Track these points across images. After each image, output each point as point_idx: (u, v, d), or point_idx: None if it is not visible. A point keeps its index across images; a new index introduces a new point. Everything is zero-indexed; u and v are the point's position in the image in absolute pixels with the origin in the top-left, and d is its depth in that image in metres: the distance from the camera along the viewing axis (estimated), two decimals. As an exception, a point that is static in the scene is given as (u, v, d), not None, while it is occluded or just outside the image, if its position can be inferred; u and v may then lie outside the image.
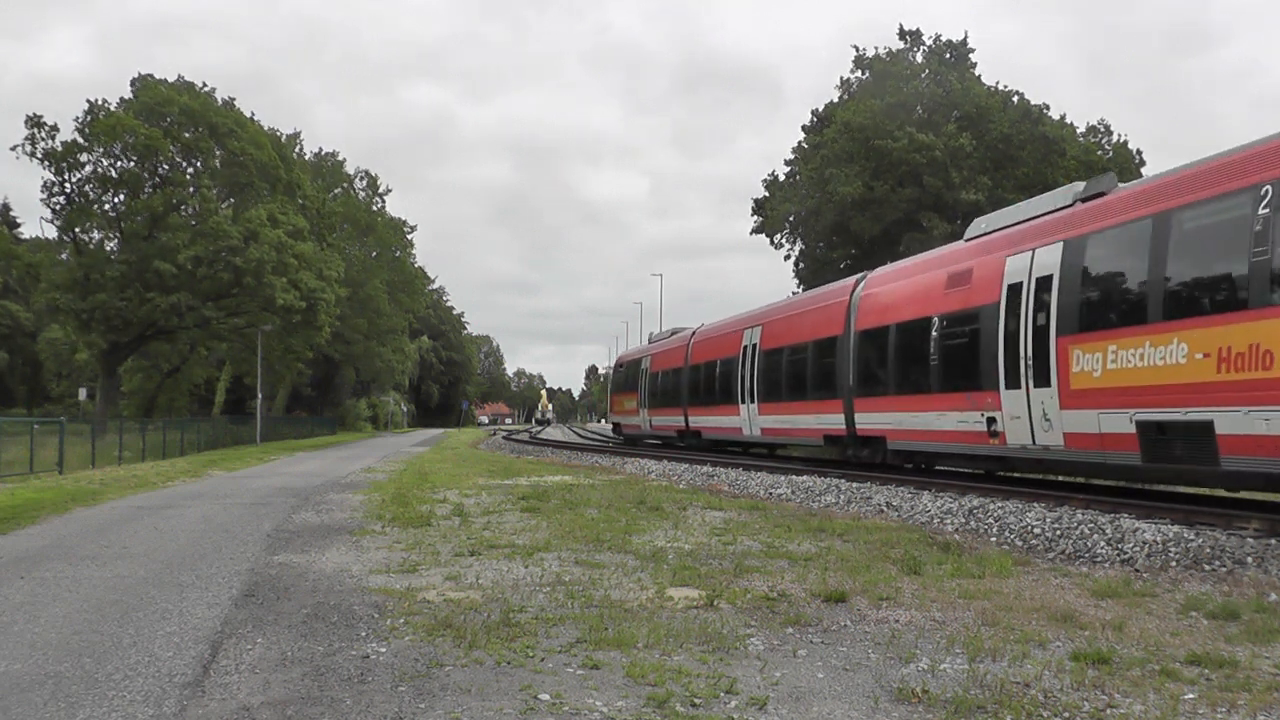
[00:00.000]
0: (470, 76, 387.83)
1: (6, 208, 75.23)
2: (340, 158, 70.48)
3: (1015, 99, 45.21)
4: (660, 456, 26.89)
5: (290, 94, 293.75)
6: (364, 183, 72.64)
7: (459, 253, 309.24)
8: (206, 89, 47.93)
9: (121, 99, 46.08)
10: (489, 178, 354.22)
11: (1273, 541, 9.31)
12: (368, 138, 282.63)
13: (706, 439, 29.59)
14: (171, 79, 48.00)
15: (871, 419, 18.84)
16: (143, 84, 46.79)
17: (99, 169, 45.01)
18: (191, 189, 46.50)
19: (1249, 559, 8.99)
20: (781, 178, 50.31)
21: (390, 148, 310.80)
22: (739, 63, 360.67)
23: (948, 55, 46.51)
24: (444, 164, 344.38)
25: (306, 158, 65.85)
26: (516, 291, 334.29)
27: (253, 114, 49.90)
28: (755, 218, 51.39)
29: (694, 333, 31.15)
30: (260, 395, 50.99)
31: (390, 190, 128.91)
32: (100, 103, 44.88)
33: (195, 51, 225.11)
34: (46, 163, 43.96)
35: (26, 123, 43.53)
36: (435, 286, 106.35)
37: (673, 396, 32.35)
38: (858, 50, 48.03)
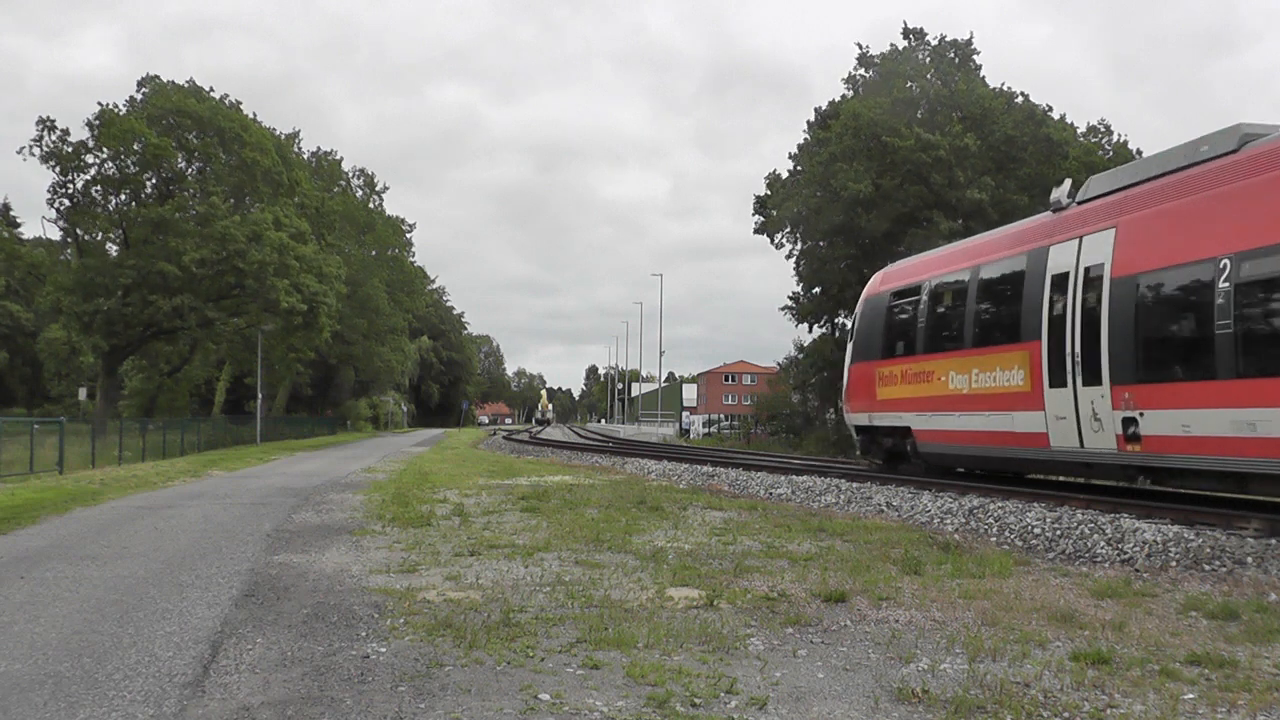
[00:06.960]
0: (499, 77, 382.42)
1: (7, 207, 75.20)
2: (338, 156, 70.41)
3: (1019, 99, 45.26)
4: (660, 456, 26.84)
5: (318, 94, 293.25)
6: (360, 180, 72.61)
7: (477, 252, 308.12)
8: (213, 93, 47.94)
9: (132, 98, 46.10)
10: (512, 178, 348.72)
11: (1273, 541, 9.32)
12: (394, 138, 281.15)
13: None
14: (200, 80, 48.29)
15: None
16: (151, 86, 46.75)
17: (103, 170, 45.03)
18: (193, 191, 46.49)
19: (1249, 559, 9.00)
20: (784, 176, 50.27)
21: (415, 148, 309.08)
22: (770, 63, 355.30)
23: (951, 55, 46.56)
24: (468, 164, 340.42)
25: (305, 157, 65.80)
26: (531, 292, 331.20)
27: (254, 114, 49.93)
28: (756, 217, 51.36)
29: None
30: (260, 395, 50.95)
31: (388, 188, 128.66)
32: (110, 106, 44.97)
33: (225, 52, 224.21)
34: (52, 163, 43.98)
35: (37, 124, 43.64)
36: (435, 286, 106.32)
37: None
38: (861, 48, 48.12)
